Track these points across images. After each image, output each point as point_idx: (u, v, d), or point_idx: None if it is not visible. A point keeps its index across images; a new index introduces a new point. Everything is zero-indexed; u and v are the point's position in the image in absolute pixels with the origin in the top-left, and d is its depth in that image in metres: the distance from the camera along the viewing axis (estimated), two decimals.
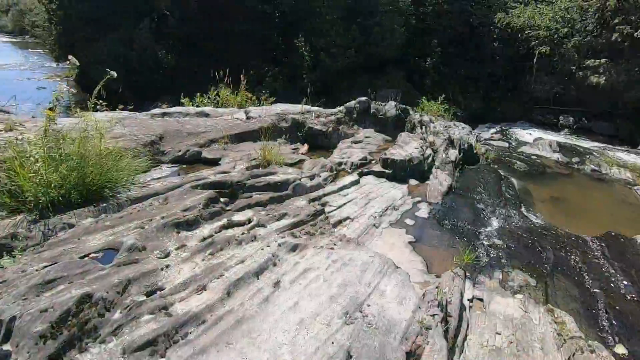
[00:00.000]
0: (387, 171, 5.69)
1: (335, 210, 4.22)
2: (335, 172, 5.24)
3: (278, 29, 18.85)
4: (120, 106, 6.18)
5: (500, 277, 3.55)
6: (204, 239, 2.69)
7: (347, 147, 6.48)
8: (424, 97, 12.38)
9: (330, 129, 6.83)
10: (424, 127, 8.09)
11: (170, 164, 4.39)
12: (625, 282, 3.63)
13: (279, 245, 2.87)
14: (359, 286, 2.66)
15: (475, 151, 7.92)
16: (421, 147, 6.54)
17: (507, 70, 19.50)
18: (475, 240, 4.28)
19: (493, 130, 15.64)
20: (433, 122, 8.36)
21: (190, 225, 2.79)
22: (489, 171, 7.30)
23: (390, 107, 8.27)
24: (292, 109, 6.95)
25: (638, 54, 15.14)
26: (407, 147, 6.40)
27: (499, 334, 2.75)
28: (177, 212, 2.84)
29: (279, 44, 18.66)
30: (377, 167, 5.77)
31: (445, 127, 8.25)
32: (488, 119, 18.14)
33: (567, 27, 17.36)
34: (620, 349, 2.73)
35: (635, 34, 14.91)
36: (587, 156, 10.10)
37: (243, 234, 2.90)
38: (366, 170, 5.63)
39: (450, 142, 7.41)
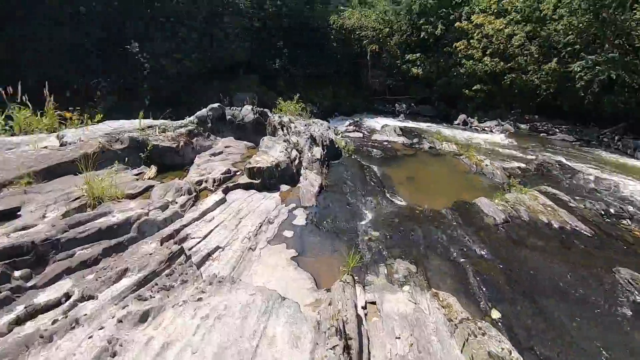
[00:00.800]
0: (255, 181, 5.20)
1: (200, 242, 3.49)
2: (195, 194, 4.45)
3: (98, 34, 15.91)
4: None
5: (386, 271, 3.50)
6: None
7: (205, 162, 5.70)
8: (280, 98, 12.32)
9: (182, 143, 5.89)
10: (285, 128, 7.90)
11: None
12: (480, 246, 4.10)
13: (119, 321, 2.04)
14: (241, 342, 2.09)
15: (336, 146, 8.18)
16: (286, 150, 6.28)
17: (349, 67, 21.52)
18: (355, 237, 4.20)
19: (347, 122, 16.90)
20: (293, 122, 8.26)
21: None
22: (352, 163, 7.60)
23: (247, 112, 7.77)
24: (129, 126, 5.71)
25: (440, 49, 18.70)
26: (272, 152, 6.03)
27: (399, 338, 2.60)
28: None
29: (103, 51, 15.77)
30: (244, 179, 5.22)
31: (306, 125, 8.27)
32: (339, 113, 19.64)
33: (388, 28, 20.18)
34: (495, 314, 2.95)
35: (435, 32, 18.32)
36: (423, 136, 11.82)
37: (56, 321, 1.95)
38: (232, 184, 5.01)
39: (313, 140, 7.41)
